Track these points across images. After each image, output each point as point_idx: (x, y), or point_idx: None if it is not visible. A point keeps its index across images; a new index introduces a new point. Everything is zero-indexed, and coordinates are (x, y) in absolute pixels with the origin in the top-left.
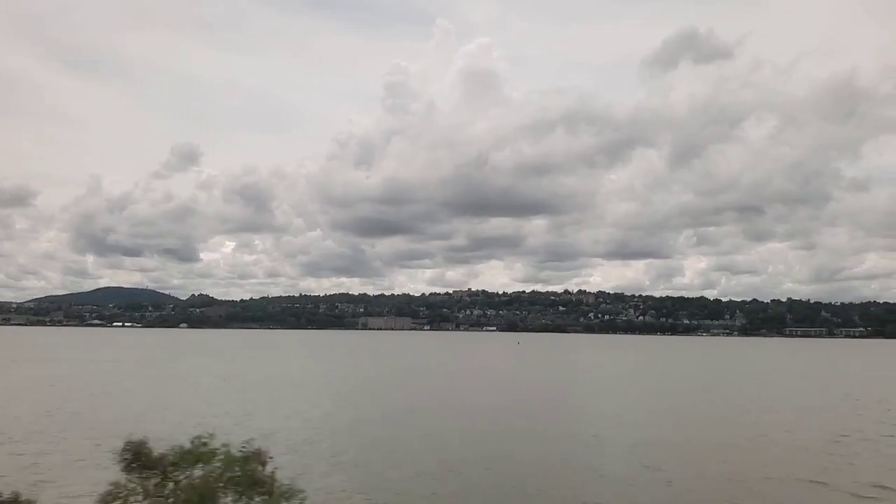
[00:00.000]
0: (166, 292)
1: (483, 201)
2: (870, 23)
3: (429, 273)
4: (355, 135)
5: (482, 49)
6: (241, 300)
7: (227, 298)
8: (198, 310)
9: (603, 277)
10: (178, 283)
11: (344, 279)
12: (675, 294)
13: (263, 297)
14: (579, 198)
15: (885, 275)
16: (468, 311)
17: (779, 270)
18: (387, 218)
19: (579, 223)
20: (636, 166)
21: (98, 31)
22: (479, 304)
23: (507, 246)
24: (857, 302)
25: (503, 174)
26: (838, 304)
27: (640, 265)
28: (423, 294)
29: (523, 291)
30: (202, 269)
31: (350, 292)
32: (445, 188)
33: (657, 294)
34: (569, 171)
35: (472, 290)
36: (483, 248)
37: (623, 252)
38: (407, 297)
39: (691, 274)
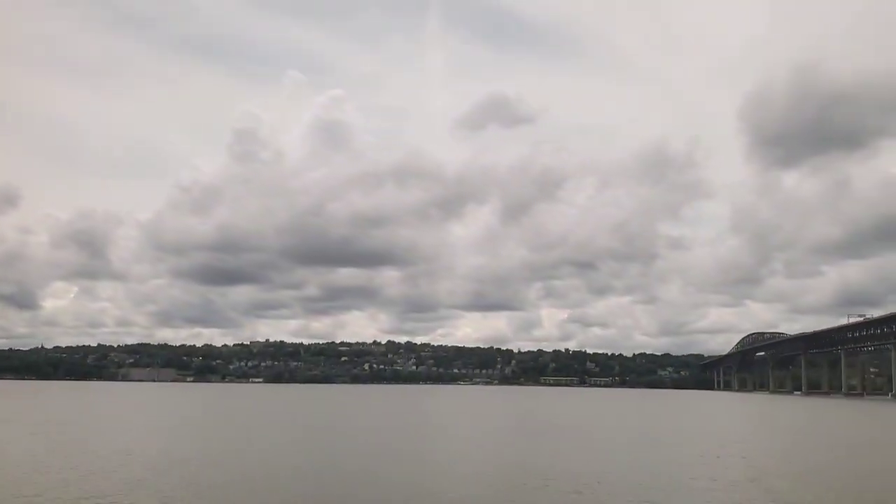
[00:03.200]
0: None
1: (325, 251)
2: (671, 93)
3: (292, 324)
4: (199, 181)
5: (335, 100)
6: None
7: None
8: None
9: (472, 329)
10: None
11: (203, 330)
12: (536, 347)
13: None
14: (422, 250)
15: (726, 329)
16: (244, 363)
17: (627, 323)
18: (229, 266)
19: (430, 275)
20: (469, 221)
21: None
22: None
23: (363, 297)
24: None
25: (340, 225)
26: (610, 354)
27: (500, 317)
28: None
29: (373, 342)
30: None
31: (211, 343)
32: (285, 237)
33: (517, 347)
34: (404, 223)
35: (342, 341)
36: (339, 298)
37: (480, 304)
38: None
39: (549, 326)
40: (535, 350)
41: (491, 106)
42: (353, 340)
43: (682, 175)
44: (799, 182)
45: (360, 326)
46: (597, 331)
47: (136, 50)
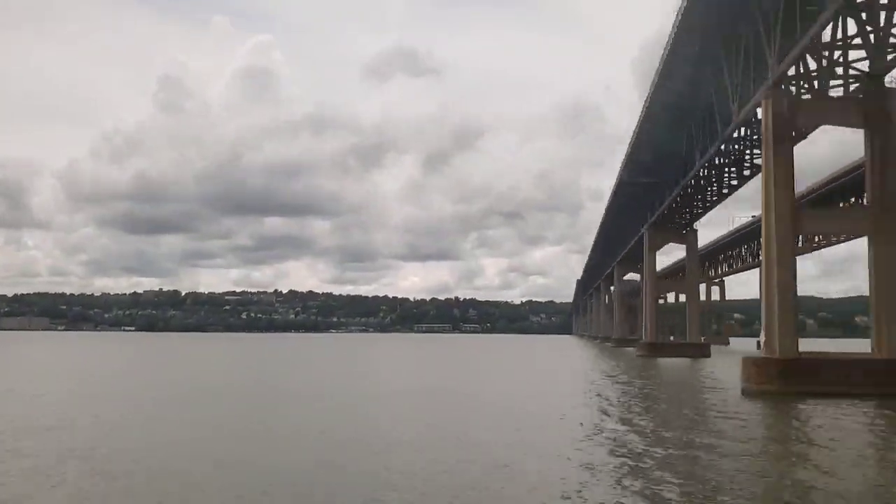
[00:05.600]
0: None
1: (249, 201)
2: (593, 46)
3: (233, 273)
4: (122, 130)
5: (261, 47)
6: None
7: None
8: None
9: (419, 278)
10: None
11: (142, 279)
12: (475, 296)
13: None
14: (348, 200)
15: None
16: (122, 312)
17: (565, 273)
18: (154, 216)
19: (361, 226)
20: (391, 172)
21: None
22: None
23: (297, 247)
24: None
25: (261, 174)
26: (495, 302)
27: (443, 267)
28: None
29: (274, 291)
30: None
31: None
32: (207, 187)
33: (459, 295)
34: (324, 173)
35: (282, 291)
36: (272, 248)
37: (421, 254)
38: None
39: (490, 275)
40: (428, 299)
41: (405, 56)
42: (299, 290)
43: (600, 125)
44: None
45: (302, 277)
46: (539, 280)
47: None
